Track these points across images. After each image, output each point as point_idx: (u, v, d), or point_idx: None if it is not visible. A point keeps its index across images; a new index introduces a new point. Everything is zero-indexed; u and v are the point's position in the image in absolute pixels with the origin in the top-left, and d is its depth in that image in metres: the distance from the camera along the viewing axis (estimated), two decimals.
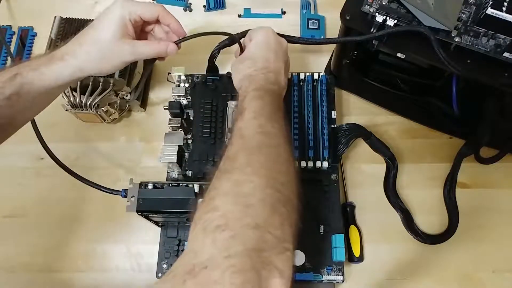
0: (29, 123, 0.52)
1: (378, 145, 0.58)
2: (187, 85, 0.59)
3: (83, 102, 0.56)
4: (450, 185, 0.57)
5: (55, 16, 0.61)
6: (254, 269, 0.30)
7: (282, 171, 0.37)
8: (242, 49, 0.54)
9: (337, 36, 0.56)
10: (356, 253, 0.54)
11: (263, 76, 0.47)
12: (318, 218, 0.53)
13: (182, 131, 0.56)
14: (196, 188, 0.45)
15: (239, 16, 0.70)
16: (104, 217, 0.58)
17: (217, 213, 0.32)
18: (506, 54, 0.46)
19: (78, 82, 0.55)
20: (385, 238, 0.56)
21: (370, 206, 0.57)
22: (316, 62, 0.65)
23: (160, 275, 0.52)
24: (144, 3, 0.49)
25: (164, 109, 0.57)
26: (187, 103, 0.59)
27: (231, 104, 0.58)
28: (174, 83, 0.59)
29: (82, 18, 0.61)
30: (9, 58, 0.66)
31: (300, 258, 0.51)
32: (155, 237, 0.54)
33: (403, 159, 0.59)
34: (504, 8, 0.43)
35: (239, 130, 0.40)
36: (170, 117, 0.58)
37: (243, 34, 0.55)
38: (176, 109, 0.57)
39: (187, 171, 0.56)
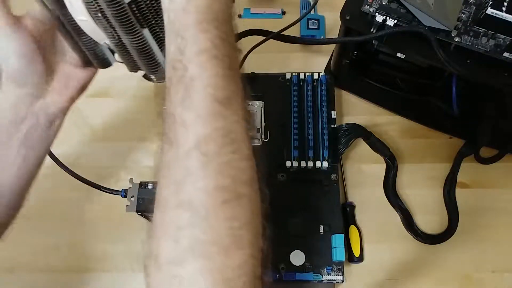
0: None
1: (378, 145, 0.58)
2: None
3: None
4: (450, 185, 0.57)
5: None
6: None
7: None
8: None
9: (337, 36, 0.56)
10: (356, 253, 0.54)
11: None
12: (318, 218, 0.53)
13: None
14: None
15: (239, 16, 0.70)
16: (104, 217, 0.58)
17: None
18: (506, 54, 0.46)
19: None
20: (385, 238, 0.56)
21: (370, 206, 0.57)
22: (316, 62, 0.65)
23: None
24: None
25: (164, 109, 0.57)
26: None
27: None
28: None
29: None
30: None
31: (300, 258, 0.51)
32: None
33: (403, 159, 0.59)
34: (504, 8, 0.43)
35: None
36: None
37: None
38: None
39: None
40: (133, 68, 0.37)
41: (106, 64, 0.39)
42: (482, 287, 0.54)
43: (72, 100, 0.40)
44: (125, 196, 0.46)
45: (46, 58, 0.36)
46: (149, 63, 0.35)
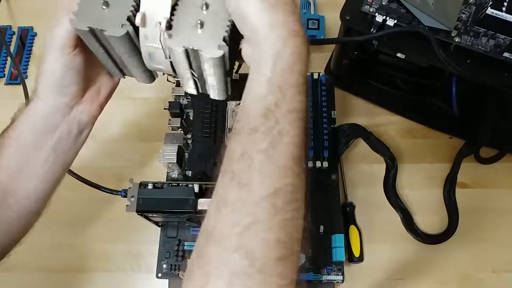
0: None
1: (378, 145, 0.58)
2: None
3: None
4: (450, 185, 0.57)
5: None
6: None
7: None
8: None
9: (337, 36, 0.56)
10: (356, 253, 0.54)
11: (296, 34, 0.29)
12: (318, 218, 0.53)
13: (182, 131, 0.56)
14: (196, 188, 0.45)
15: None
16: (104, 217, 0.58)
17: None
18: (506, 54, 0.46)
19: None
20: (385, 238, 0.56)
21: (370, 206, 0.57)
22: (316, 62, 0.65)
23: (160, 275, 0.52)
24: None
25: (164, 109, 0.57)
26: (187, 103, 0.59)
27: (231, 104, 0.58)
28: (174, 83, 0.59)
29: None
30: (9, 58, 0.66)
31: (300, 258, 0.51)
32: (155, 237, 0.54)
33: (403, 159, 0.59)
34: (504, 8, 0.43)
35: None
36: (170, 117, 0.58)
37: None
38: (176, 109, 0.57)
39: (187, 171, 0.56)
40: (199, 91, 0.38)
41: (151, 80, 0.40)
42: (482, 287, 0.54)
43: (101, 107, 0.41)
44: (125, 196, 0.46)
45: (86, 70, 0.38)
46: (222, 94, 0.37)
